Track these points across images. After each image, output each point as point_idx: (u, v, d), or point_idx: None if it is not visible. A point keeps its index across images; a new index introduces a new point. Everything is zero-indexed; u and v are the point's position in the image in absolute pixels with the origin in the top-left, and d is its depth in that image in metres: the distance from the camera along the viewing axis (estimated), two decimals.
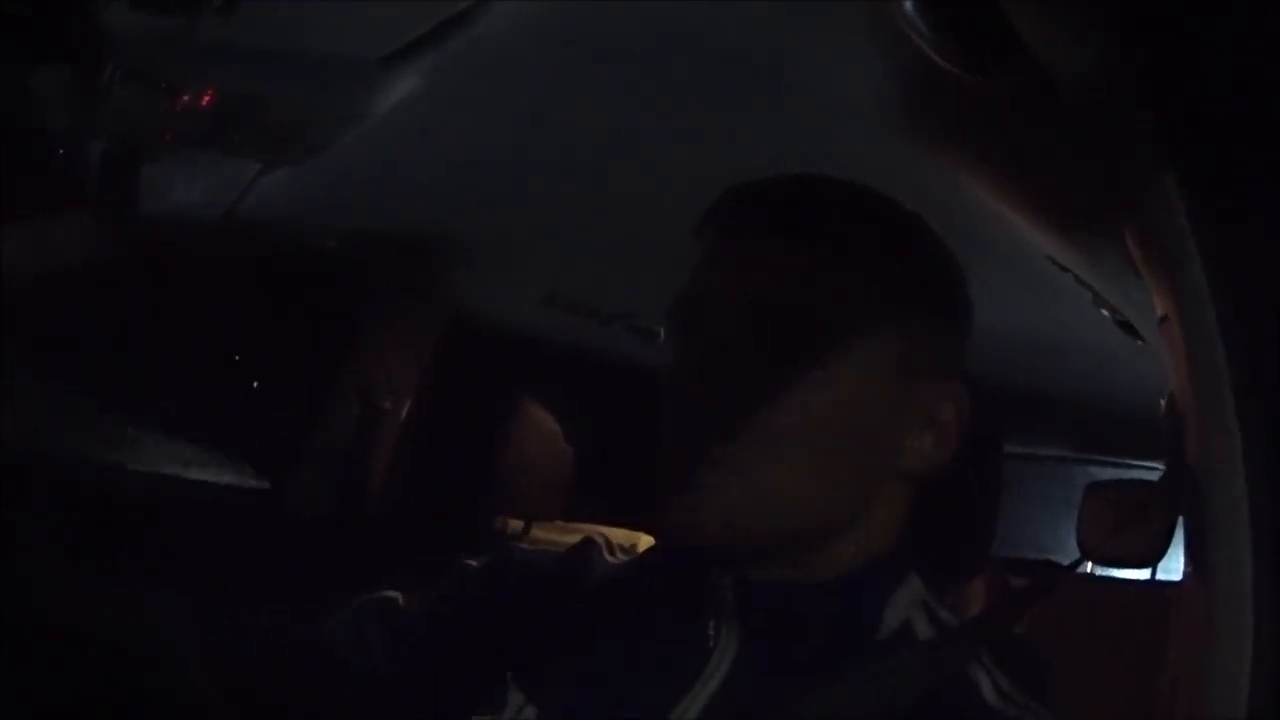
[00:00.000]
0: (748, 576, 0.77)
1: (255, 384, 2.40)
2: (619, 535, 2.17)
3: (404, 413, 2.53)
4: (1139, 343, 1.98)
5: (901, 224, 0.81)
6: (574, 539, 0.92)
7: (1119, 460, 2.98)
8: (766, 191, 0.81)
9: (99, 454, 2.13)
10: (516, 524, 2.46)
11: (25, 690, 0.69)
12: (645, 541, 2.08)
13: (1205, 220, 0.85)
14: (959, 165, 1.51)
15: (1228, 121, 0.80)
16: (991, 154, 1.47)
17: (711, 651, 0.77)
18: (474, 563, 0.90)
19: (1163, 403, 1.11)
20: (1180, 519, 1.10)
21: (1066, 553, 2.71)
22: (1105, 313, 1.93)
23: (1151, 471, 2.59)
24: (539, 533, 2.46)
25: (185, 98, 1.53)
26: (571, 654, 0.81)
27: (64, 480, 1.89)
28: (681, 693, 0.77)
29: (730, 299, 0.77)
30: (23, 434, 1.82)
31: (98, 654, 0.73)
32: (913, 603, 0.79)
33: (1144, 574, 2.39)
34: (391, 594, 0.88)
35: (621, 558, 0.90)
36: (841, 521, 0.77)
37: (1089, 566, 2.45)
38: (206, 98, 1.54)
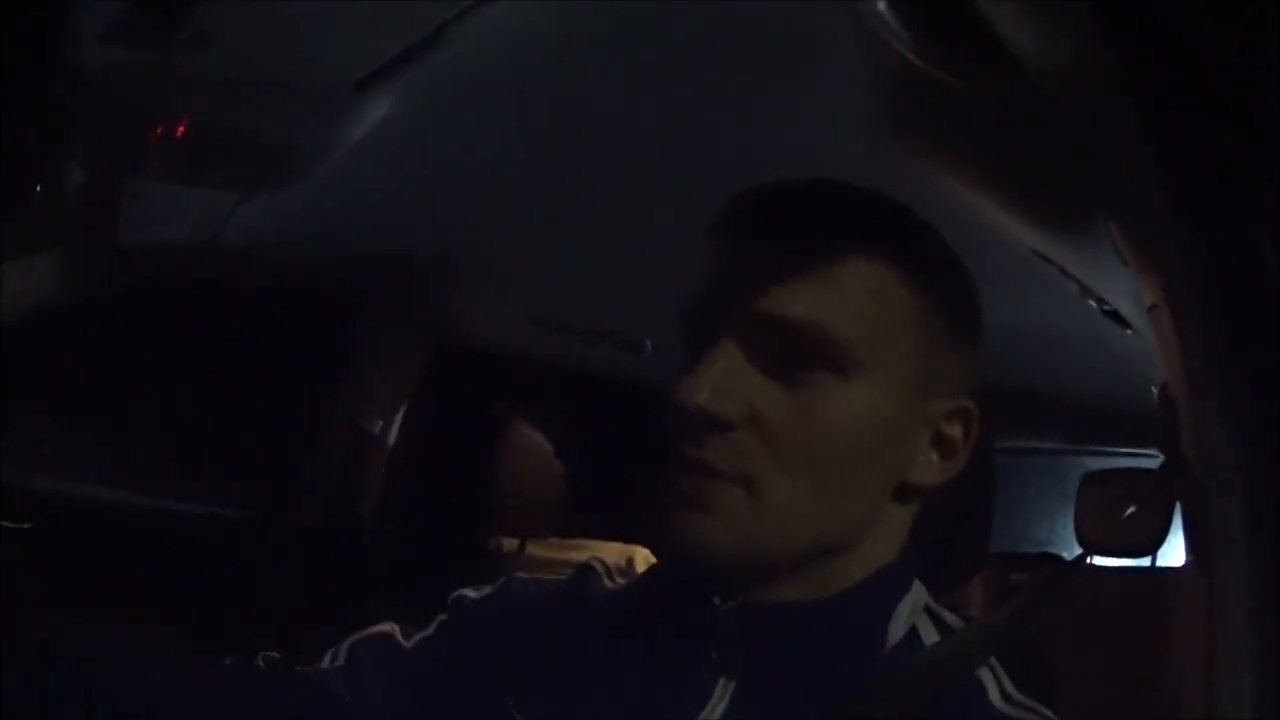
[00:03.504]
0: (751, 596, 0.76)
1: (241, 411, 2.39)
2: (615, 553, 2.16)
3: (394, 436, 2.52)
4: (1128, 332, 1.98)
5: (919, 235, 0.79)
6: (571, 556, 0.91)
7: (1113, 449, 2.98)
8: (783, 197, 0.78)
9: (87, 486, 2.12)
10: (512, 543, 2.45)
11: None
12: (642, 558, 2.07)
13: (1189, 208, 0.85)
14: (941, 163, 1.51)
15: (1209, 109, 0.80)
16: (973, 150, 1.47)
17: (717, 674, 0.76)
18: (472, 594, 0.88)
19: (1155, 391, 1.11)
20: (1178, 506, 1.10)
21: (1063, 545, 2.70)
22: (1093, 304, 1.93)
23: (1146, 459, 2.59)
24: (535, 551, 2.45)
25: (160, 130, 1.53)
26: (574, 683, 0.80)
27: (52, 514, 1.88)
28: (688, 718, 0.75)
29: (744, 308, 0.75)
30: (9, 468, 1.81)
31: (89, 699, 0.72)
32: (917, 610, 0.78)
33: (1144, 562, 2.39)
34: (387, 628, 0.86)
35: (620, 581, 0.88)
36: (849, 536, 0.76)
37: (1089, 558, 2.45)
38: (181, 130, 1.54)
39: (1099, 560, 2.49)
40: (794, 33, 1.32)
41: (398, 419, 2.52)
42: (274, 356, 2.40)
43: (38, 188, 1.56)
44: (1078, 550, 2.35)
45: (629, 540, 2.21)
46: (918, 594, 0.79)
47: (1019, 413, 2.75)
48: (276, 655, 0.84)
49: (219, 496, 2.32)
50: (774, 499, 0.73)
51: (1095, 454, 3.01)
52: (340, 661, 0.84)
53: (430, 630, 0.86)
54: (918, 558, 0.80)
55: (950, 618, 0.80)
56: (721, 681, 0.76)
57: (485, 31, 1.37)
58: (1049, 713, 0.75)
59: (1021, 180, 1.51)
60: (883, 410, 0.75)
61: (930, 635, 0.77)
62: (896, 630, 0.77)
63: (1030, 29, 1.00)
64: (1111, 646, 2.05)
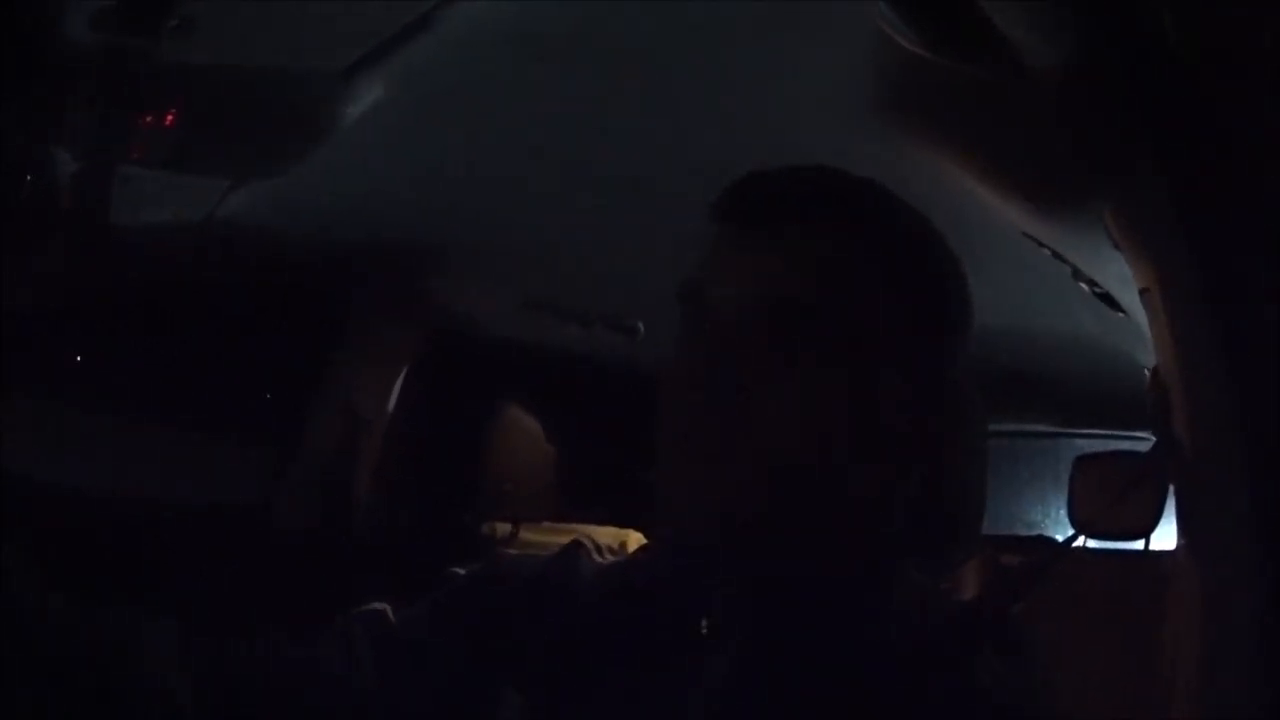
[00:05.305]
0: (742, 573, 0.77)
1: (233, 397, 2.39)
2: (607, 535, 2.16)
3: (388, 421, 2.52)
4: (1120, 315, 1.98)
5: (912, 220, 0.80)
6: (563, 540, 0.91)
7: (1105, 432, 2.99)
8: (782, 181, 0.79)
9: (83, 476, 2.12)
10: (505, 527, 2.46)
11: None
12: (634, 540, 2.07)
13: (1182, 192, 0.85)
14: (937, 149, 1.51)
15: (1202, 95, 0.80)
16: (969, 136, 1.47)
17: (709, 651, 0.77)
18: (462, 571, 0.89)
19: (1147, 373, 1.11)
20: (1171, 489, 1.10)
21: (1057, 527, 2.71)
22: (1085, 287, 1.93)
23: (1138, 442, 2.59)
24: (528, 535, 2.45)
25: (149, 118, 1.52)
26: (566, 659, 0.80)
27: (47, 505, 1.88)
28: (680, 694, 0.76)
29: (743, 289, 0.75)
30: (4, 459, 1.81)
31: (86, 683, 0.72)
32: (910, 591, 0.78)
33: (1137, 545, 2.39)
34: (380, 606, 0.87)
35: (610, 558, 0.89)
36: (844, 514, 0.77)
37: (1082, 541, 2.45)
38: (170, 117, 1.54)
39: (1092, 543, 2.49)
40: (794, 22, 1.32)
41: (391, 403, 2.52)
42: (266, 342, 2.39)
43: (28, 177, 1.56)
44: (1070, 533, 2.36)
45: (622, 524, 2.22)
46: (911, 575, 0.79)
47: (1011, 396, 2.75)
48: (272, 636, 0.84)
49: (211, 483, 2.32)
50: (767, 479, 0.74)
51: (1088, 436, 3.01)
52: (334, 639, 0.85)
53: (421, 608, 0.87)
54: (911, 539, 0.80)
55: (943, 600, 0.80)
56: (714, 657, 0.76)
57: (473, 17, 1.36)
58: (1042, 691, 0.75)
59: (1015, 165, 1.51)
60: (874, 387, 0.75)
61: (923, 617, 0.78)
62: (889, 611, 0.77)
63: (1027, 19, 1.00)
64: (1105, 630, 2.06)
